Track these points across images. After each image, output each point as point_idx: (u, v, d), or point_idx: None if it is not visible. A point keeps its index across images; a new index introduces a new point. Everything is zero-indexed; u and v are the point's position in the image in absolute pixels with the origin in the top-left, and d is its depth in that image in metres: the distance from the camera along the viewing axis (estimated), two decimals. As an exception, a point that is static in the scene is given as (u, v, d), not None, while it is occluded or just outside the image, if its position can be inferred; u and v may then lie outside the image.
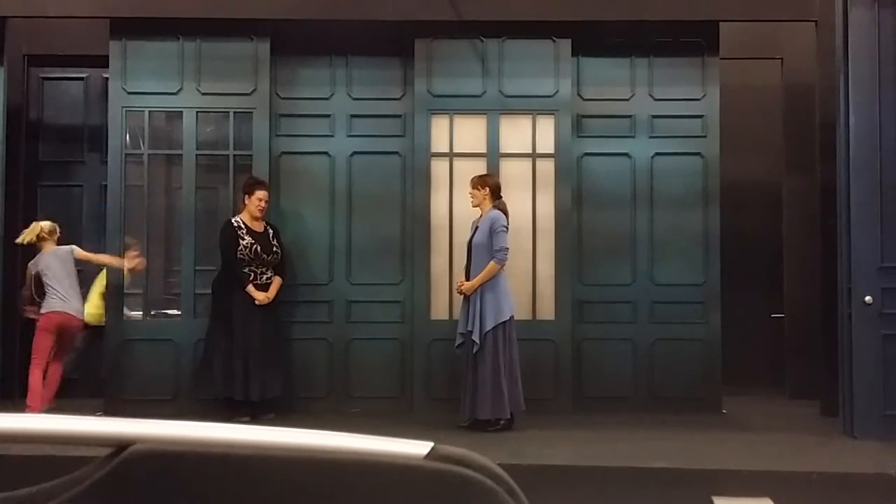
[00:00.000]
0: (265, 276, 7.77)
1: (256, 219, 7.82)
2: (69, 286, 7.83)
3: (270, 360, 7.74)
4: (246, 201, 7.82)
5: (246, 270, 7.68)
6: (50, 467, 1.61)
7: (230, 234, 7.73)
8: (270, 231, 7.91)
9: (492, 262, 7.30)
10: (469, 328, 7.28)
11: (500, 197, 7.58)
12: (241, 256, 7.66)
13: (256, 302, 7.64)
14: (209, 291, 8.31)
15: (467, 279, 7.41)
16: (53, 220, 8.41)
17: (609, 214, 8.48)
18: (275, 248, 7.85)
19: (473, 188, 7.55)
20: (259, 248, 7.71)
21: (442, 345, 7.97)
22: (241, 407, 7.55)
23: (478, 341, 7.21)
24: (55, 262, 7.84)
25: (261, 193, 7.80)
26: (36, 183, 9.18)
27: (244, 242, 7.69)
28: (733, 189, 9.12)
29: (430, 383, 8.17)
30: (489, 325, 7.22)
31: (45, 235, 7.92)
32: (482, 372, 7.21)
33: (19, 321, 8.91)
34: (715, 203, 8.42)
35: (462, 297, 7.51)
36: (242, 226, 7.76)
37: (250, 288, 7.65)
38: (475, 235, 7.46)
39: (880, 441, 6.83)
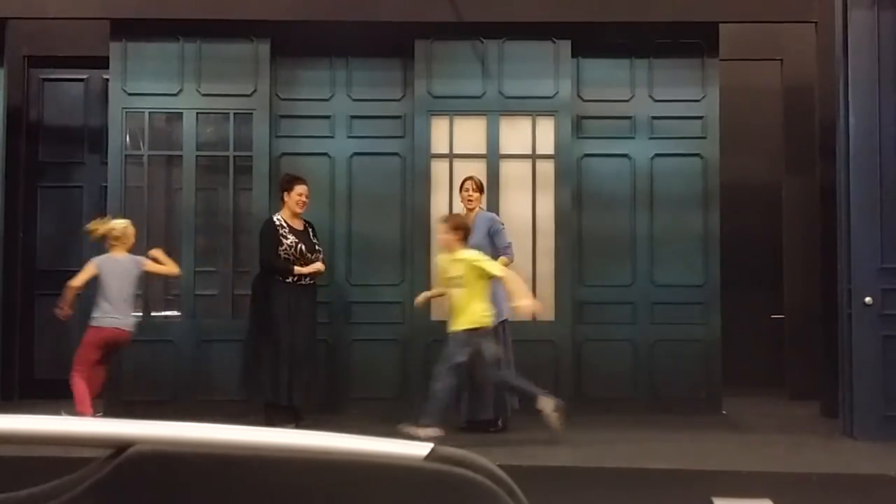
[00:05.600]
0: (307, 277, 7.50)
1: (297, 216, 7.60)
2: (122, 300, 7.17)
3: (311, 364, 7.55)
4: (285, 198, 7.58)
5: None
6: (50, 468, 1.60)
7: (272, 233, 7.45)
8: (310, 229, 7.71)
9: (503, 258, 7.35)
10: None
11: None
12: (286, 256, 7.40)
13: (305, 272, 7.39)
14: (209, 293, 8.32)
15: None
16: (54, 222, 8.42)
17: (609, 215, 8.48)
18: (317, 247, 7.63)
19: (476, 191, 7.55)
20: (304, 248, 7.46)
21: (442, 346, 7.95)
22: (285, 412, 7.35)
23: None
24: (117, 269, 7.20)
25: (301, 188, 7.55)
26: (36, 184, 9.18)
27: (287, 241, 7.42)
28: (733, 190, 9.11)
29: (429, 384, 8.15)
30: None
31: (114, 239, 7.24)
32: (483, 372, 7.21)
33: (19, 322, 8.92)
34: (715, 204, 8.42)
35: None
36: (284, 224, 7.51)
37: (298, 269, 7.38)
38: (473, 238, 7.43)
39: (880, 442, 6.83)
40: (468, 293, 6.90)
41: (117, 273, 7.17)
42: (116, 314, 7.13)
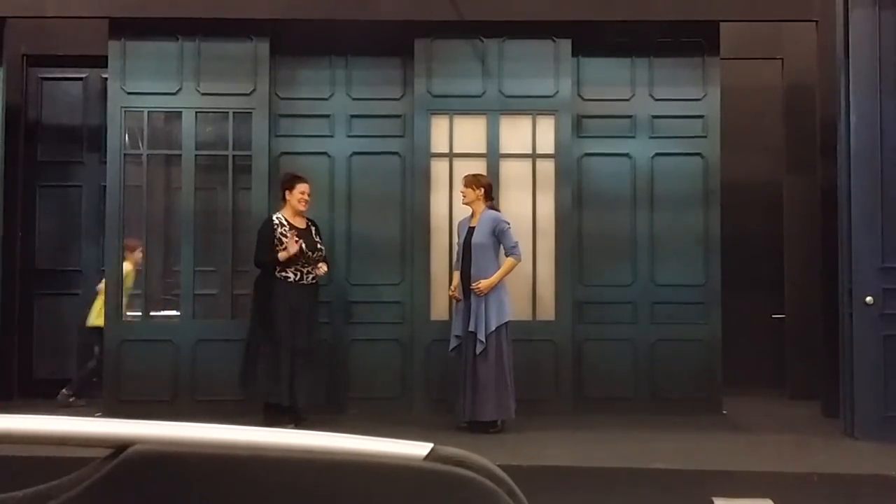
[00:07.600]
0: (310, 276, 7.49)
1: (299, 214, 7.58)
2: None
3: (312, 365, 7.50)
4: (287, 197, 7.56)
5: (290, 269, 7.38)
6: (49, 468, 1.60)
7: (268, 232, 7.45)
8: (313, 228, 7.69)
9: (511, 259, 7.38)
10: (472, 329, 7.26)
11: (493, 198, 7.60)
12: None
13: (291, 250, 7.29)
14: (209, 292, 8.31)
15: (466, 281, 7.39)
16: (53, 222, 8.46)
17: (609, 215, 8.47)
18: (319, 245, 7.61)
19: (466, 187, 7.54)
20: (304, 245, 7.43)
21: (442, 345, 7.95)
22: (284, 413, 7.32)
23: (483, 340, 7.19)
24: None
25: (302, 186, 7.55)
26: (35, 183, 9.17)
27: (286, 240, 7.41)
28: (734, 189, 9.11)
29: (429, 384, 8.16)
30: (493, 326, 7.23)
31: None
32: (485, 373, 7.19)
33: (17, 322, 8.92)
34: (715, 203, 8.41)
35: (454, 300, 7.49)
36: (284, 223, 7.50)
37: (282, 254, 7.33)
38: (474, 236, 7.44)
39: (881, 442, 6.83)
40: None
41: None
42: None
